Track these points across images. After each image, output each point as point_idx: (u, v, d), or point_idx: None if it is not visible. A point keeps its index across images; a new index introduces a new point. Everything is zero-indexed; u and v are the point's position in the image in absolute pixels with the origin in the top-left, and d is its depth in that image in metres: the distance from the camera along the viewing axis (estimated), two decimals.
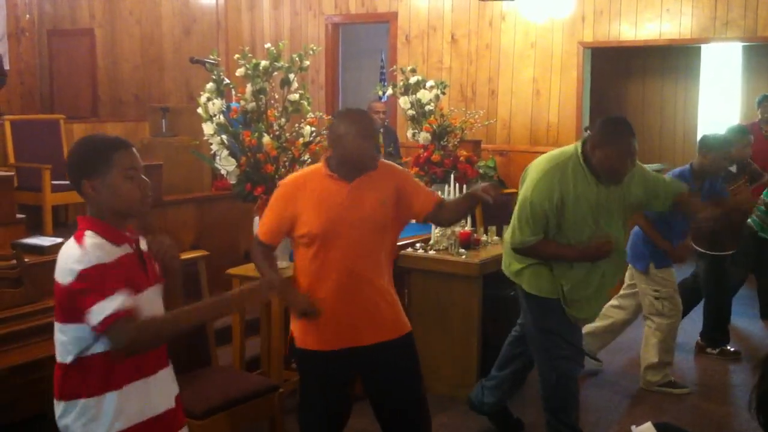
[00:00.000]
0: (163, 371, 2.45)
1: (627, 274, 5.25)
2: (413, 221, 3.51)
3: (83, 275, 2.19)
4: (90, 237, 2.26)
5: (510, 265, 3.95)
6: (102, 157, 2.32)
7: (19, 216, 5.15)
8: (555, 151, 3.84)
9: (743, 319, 6.37)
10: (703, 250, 5.62)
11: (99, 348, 2.27)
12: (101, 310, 2.17)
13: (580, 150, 3.69)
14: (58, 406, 2.34)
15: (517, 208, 3.74)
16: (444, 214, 3.40)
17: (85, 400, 2.30)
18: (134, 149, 2.39)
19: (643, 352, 5.08)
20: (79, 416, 2.30)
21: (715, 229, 5.40)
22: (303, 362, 3.31)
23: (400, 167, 3.43)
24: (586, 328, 5.23)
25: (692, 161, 5.05)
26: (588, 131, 7.36)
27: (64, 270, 2.22)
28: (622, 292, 5.27)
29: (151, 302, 2.36)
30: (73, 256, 2.22)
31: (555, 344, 3.87)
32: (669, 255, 4.91)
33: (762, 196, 5.94)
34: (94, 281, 2.19)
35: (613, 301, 5.29)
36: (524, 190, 3.73)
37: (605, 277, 3.86)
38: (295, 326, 3.25)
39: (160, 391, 2.43)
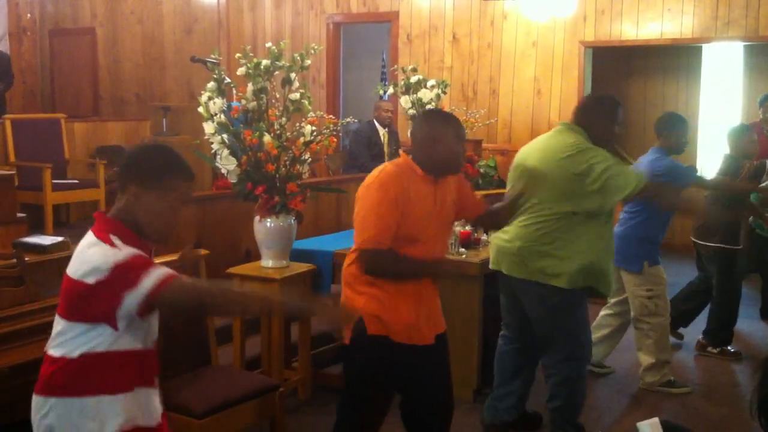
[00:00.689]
0: (155, 389, 2.41)
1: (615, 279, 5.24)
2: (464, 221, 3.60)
3: (123, 264, 2.17)
4: (117, 243, 2.23)
5: (522, 264, 3.92)
6: (167, 176, 2.28)
7: (19, 215, 5.15)
8: (566, 137, 3.95)
9: (743, 319, 6.36)
10: (716, 245, 5.55)
11: (102, 347, 2.24)
12: (150, 279, 2.15)
13: (579, 129, 3.95)
14: (40, 403, 2.29)
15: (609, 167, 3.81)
16: (494, 218, 3.51)
17: (80, 399, 2.25)
18: (191, 183, 2.37)
19: (641, 356, 5.07)
20: (66, 415, 2.26)
21: (726, 222, 5.42)
22: (375, 349, 3.18)
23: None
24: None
25: (655, 145, 5.07)
26: None
27: (87, 269, 2.19)
28: (612, 300, 5.23)
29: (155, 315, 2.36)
30: (102, 254, 2.19)
31: (579, 344, 3.95)
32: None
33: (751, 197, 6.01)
34: (136, 264, 2.18)
35: (607, 310, 5.29)
36: (602, 164, 3.84)
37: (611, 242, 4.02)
38: (382, 313, 3.14)
39: (154, 404, 2.39)
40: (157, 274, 2.17)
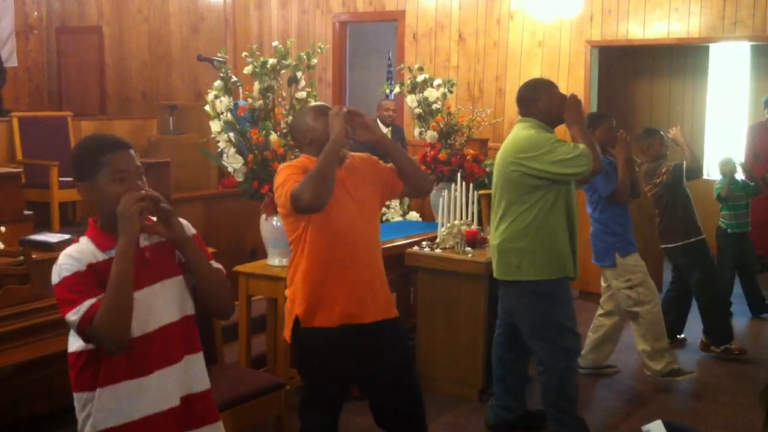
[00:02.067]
0: (167, 369, 2.37)
1: (601, 280, 5.25)
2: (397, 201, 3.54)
3: (58, 286, 2.25)
4: (81, 243, 2.32)
5: (508, 266, 4.01)
6: (91, 159, 2.30)
7: (26, 213, 5.16)
8: (521, 131, 4.09)
9: (742, 318, 6.35)
10: (679, 243, 5.59)
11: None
12: (74, 316, 2.21)
13: (532, 120, 4.08)
14: (75, 399, 2.37)
15: (555, 155, 3.90)
16: (408, 181, 3.40)
17: (85, 394, 2.32)
18: (131, 151, 2.34)
19: (638, 345, 5.10)
20: (81, 410, 2.33)
21: (672, 219, 5.52)
22: (309, 341, 3.26)
23: (367, 155, 3.46)
24: (589, 346, 5.26)
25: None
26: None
27: (53, 276, 2.29)
28: (602, 300, 5.27)
29: (154, 297, 2.34)
30: (58, 262, 2.28)
31: (562, 335, 3.99)
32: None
33: (715, 192, 6.24)
34: (66, 290, 2.23)
35: (598, 311, 5.31)
36: (544, 150, 3.90)
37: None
38: (302, 306, 3.22)
39: (158, 390, 2.35)
40: (78, 313, 2.20)
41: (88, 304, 2.21)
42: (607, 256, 5.01)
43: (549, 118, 4.07)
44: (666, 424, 3.83)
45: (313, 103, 3.40)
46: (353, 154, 3.34)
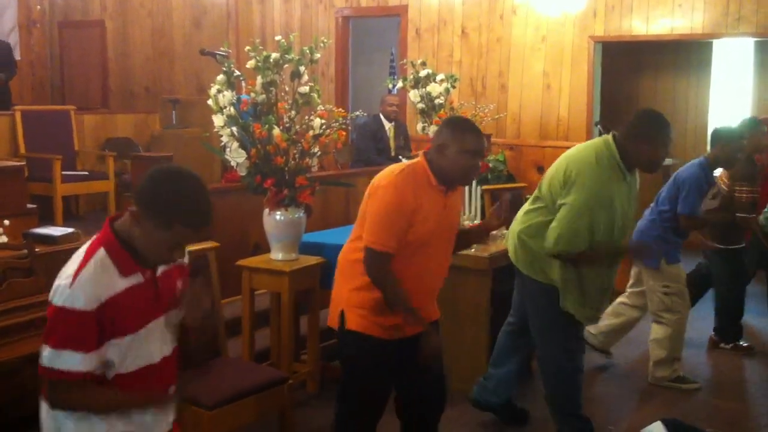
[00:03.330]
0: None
1: (633, 271, 5.24)
2: None
3: (59, 312, 2.11)
4: (98, 261, 2.16)
5: (524, 258, 3.93)
6: (175, 217, 2.13)
7: (29, 206, 5.17)
8: (588, 150, 3.76)
9: (754, 315, 6.34)
10: (719, 246, 5.58)
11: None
12: (51, 359, 2.11)
13: (613, 144, 3.68)
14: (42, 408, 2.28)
15: (565, 213, 3.66)
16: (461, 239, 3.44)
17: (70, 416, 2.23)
18: (204, 232, 2.21)
19: (652, 348, 5.07)
20: (47, 423, 2.27)
21: (723, 224, 5.42)
22: (364, 348, 3.20)
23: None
24: (600, 328, 5.25)
25: (705, 154, 5.06)
26: (598, 126, 7.36)
27: (55, 288, 2.15)
28: (630, 289, 5.26)
29: (154, 333, 2.28)
30: (66, 283, 2.12)
31: (568, 337, 3.92)
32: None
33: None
34: (63, 326, 2.11)
35: (623, 299, 5.28)
36: (576, 195, 3.63)
37: (610, 279, 3.90)
38: (361, 309, 3.17)
39: (154, 415, 2.32)
40: (62, 360, 2.10)
41: (76, 364, 2.10)
42: (653, 258, 4.92)
43: (636, 160, 3.71)
44: (668, 423, 3.84)
45: (475, 127, 3.20)
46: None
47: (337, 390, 3.39)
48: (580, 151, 3.81)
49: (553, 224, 3.70)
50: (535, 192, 3.96)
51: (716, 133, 5.03)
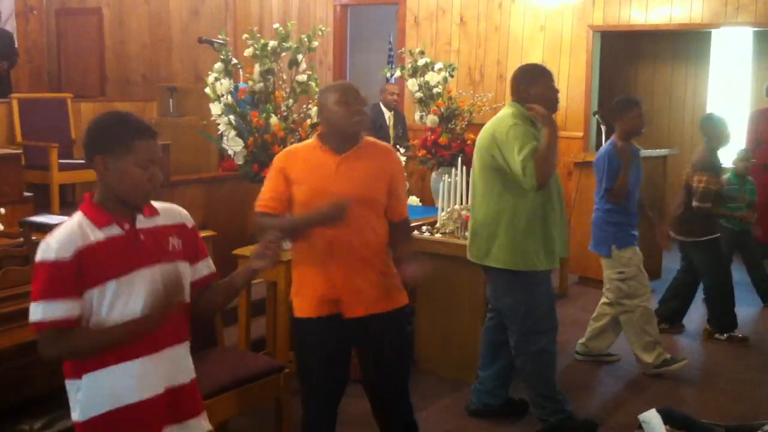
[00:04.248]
0: (151, 356, 2.35)
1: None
2: None
3: (36, 267, 2.24)
4: (73, 219, 2.30)
5: (478, 250, 4.01)
6: (123, 139, 2.29)
7: (26, 194, 5.16)
8: (499, 118, 4.04)
9: (745, 306, 6.36)
10: (698, 239, 5.61)
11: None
12: (36, 312, 2.23)
13: (516, 104, 4.00)
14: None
15: (516, 150, 3.81)
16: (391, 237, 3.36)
17: (76, 381, 2.33)
18: (157, 140, 2.36)
19: (628, 339, 5.09)
20: (72, 398, 2.35)
21: (693, 216, 5.50)
22: (299, 331, 3.30)
23: (401, 162, 3.43)
24: (587, 335, 5.26)
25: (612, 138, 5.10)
26: (596, 115, 7.35)
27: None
28: (605, 287, 5.25)
29: (141, 284, 2.30)
30: (45, 239, 2.26)
31: (537, 319, 4.00)
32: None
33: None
34: (41, 278, 2.23)
35: (602, 299, 5.28)
36: (511, 138, 3.84)
37: (563, 214, 4.09)
38: (293, 296, 3.28)
39: (143, 377, 2.34)
40: (40, 310, 2.22)
41: (57, 312, 2.22)
42: (603, 246, 4.99)
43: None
44: (663, 412, 3.86)
45: (338, 83, 3.35)
46: (372, 141, 3.27)
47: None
48: (491, 123, 4.09)
49: (515, 164, 3.79)
50: (476, 190, 4.07)
51: (618, 106, 5.06)
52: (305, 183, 3.15)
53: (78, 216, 2.31)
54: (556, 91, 4.03)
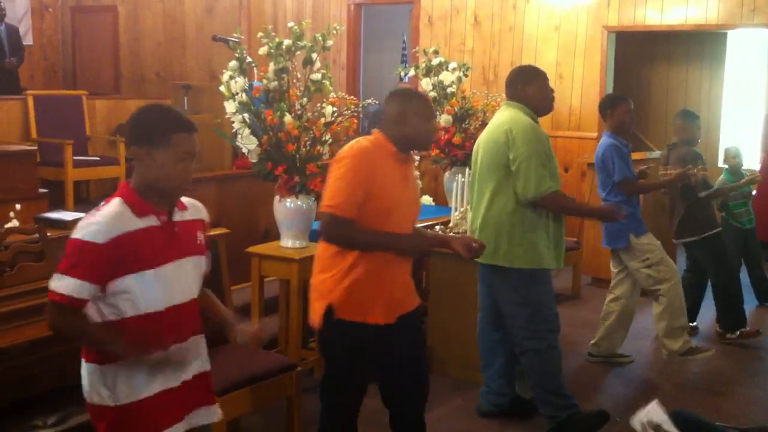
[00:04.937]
0: (178, 346, 2.46)
1: (611, 264, 5.22)
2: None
3: (70, 243, 2.29)
4: (111, 205, 2.34)
5: (494, 252, 3.96)
6: (164, 132, 2.35)
7: (41, 191, 5.19)
8: (506, 114, 4.07)
9: (749, 306, 6.32)
10: (692, 238, 5.58)
11: (103, 316, 2.36)
12: (54, 282, 2.29)
13: (516, 103, 4.04)
14: (82, 365, 2.44)
15: (521, 164, 3.87)
16: None
17: (95, 366, 2.39)
18: (196, 135, 2.43)
19: (656, 323, 5.10)
20: (92, 380, 2.41)
21: (691, 213, 5.49)
22: (351, 335, 3.17)
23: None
24: (597, 336, 5.24)
25: (604, 130, 5.15)
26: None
27: (77, 225, 2.32)
28: (612, 283, 5.24)
29: (180, 272, 2.42)
30: (88, 220, 2.31)
31: (544, 317, 4.01)
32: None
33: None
34: (71, 253, 2.28)
35: (608, 296, 5.26)
36: (519, 149, 3.87)
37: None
38: (343, 297, 3.12)
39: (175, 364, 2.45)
40: (62, 284, 2.28)
41: (81, 291, 2.27)
42: (620, 238, 4.97)
43: (536, 105, 4.07)
44: (675, 414, 3.82)
45: (419, 93, 3.42)
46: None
47: (321, 384, 3.35)
48: (499, 117, 4.10)
49: (517, 176, 3.87)
50: (479, 189, 4.09)
51: (605, 102, 5.12)
52: (386, 190, 3.09)
53: (117, 202, 2.35)
54: (551, 91, 4.13)
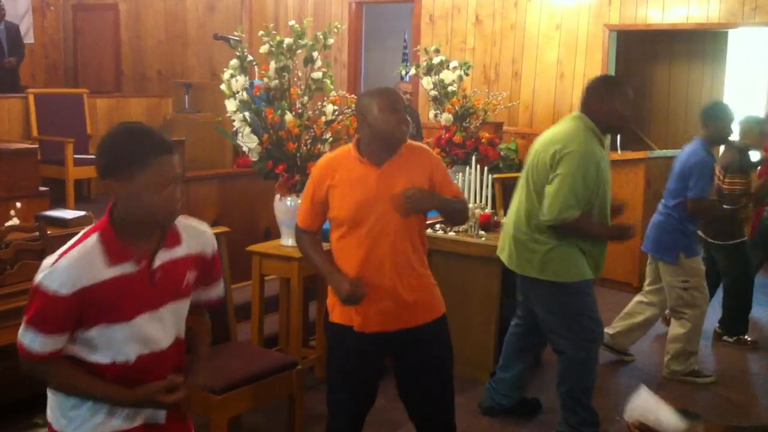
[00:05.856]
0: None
1: (648, 268, 5.20)
2: None
3: (35, 289, 2.08)
4: (88, 245, 2.10)
5: (528, 262, 3.89)
6: (135, 158, 2.08)
7: (42, 189, 5.19)
8: (566, 125, 3.88)
9: (759, 308, 6.32)
10: (717, 242, 5.57)
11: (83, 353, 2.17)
12: (21, 335, 2.10)
13: (586, 118, 3.82)
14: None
15: (553, 185, 3.72)
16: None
17: (71, 400, 2.20)
18: (175, 156, 2.15)
19: (669, 342, 5.04)
20: (61, 406, 2.23)
21: (722, 219, 5.42)
22: (336, 336, 3.21)
23: (435, 154, 3.31)
24: (617, 328, 5.22)
25: (699, 135, 5.00)
26: None
27: (43, 263, 2.11)
28: (647, 287, 5.21)
29: (149, 326, 2.19)
30: (49, 262, 2.09)
31: (584, 327, 3.92)
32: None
33: None
34: (35, 305, 2.07)
35: (641, 297, 5.24)
36: (559, 170, 3.70)
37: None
38: (333, 300, 3.15)
39: (144, 412, 2.25)
40: (27, 339, 2.09)
41: (45, 346, 2.09)
42: (670, 252, 4.89)
43: (609, 122, 3.85)
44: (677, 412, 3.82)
45: (380, 89, 3.15)
46: (407, 145, 3.11)
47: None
48: (560, 128, 3.91)
49: (548, 194, 3.73)
50: (521, 192, 3.95)
51: (709, 112, 5.00)
52: (346, 198, 3.03)
53: (93, 242, 2.11)
54: (631, 108, 3.85)
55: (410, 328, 3.13)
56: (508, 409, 4.36)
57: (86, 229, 2.19)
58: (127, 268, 2.13)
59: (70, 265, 2.06)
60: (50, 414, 2.26)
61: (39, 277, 2.08)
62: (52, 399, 2.24)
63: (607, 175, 3.82)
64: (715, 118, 4.94)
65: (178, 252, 2.24)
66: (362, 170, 3.04)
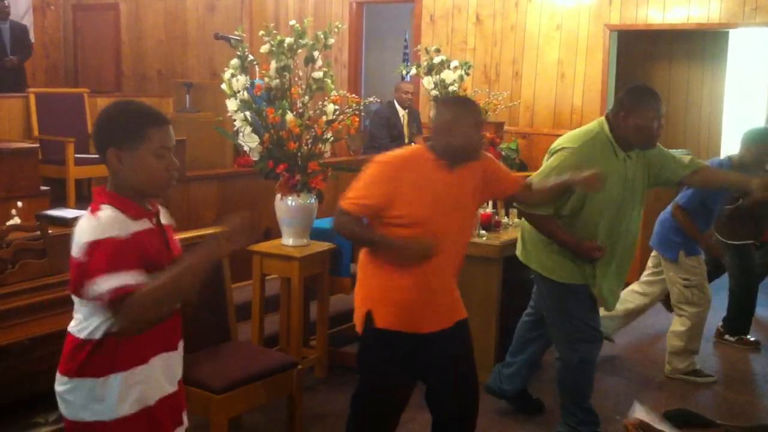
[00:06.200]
0: (168, 354, 2.34)
1: (651, 261, 5.22)
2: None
3: (93, 245, 2.10)
4: (105, 210, 2.18)
5: (532, 255, 3.95)
6: (136, 129, 2.20)
7: (42, 188, 5.19)
8: (581, 130, 3.86)
9: (761, 308, 6.31)
10: (726, 241, 5.57)
11: (108, 327, 2.18)
12: (107, 283, 2.08)
13: (606, 125, 3.73)
14: (62, 381, 2.27)
15: (542, 170, 3.76)
16: (533, 196, 3.47)
17: (92, 380, 2.22)
18: (171, 127, 2.28)
19: (670, 339, 5.05)
20: (83, 396, 2.23)
21: (734, 218, 5.39)
22: (382, 343, 3.20)
23: (486, 153, 3.40)
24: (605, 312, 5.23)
25: (730, 155, 5.02)
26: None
27: (77, 244, 2.14)
28: (644, 278, 5.24)
29: None
30: (86, 229, 2.14)
31: (576, 327, 3.91)
32: (704, 247, 4.95)
33: None
34: (104, 254, 2.09)
35: (635, 287, 5.26)
36: (551, 161, 3.75)
37: (621, 267, 3.90)
38: (380, 306, 3.16)
39: (165, 373, 2.33)
40: (115, 282, 2.08)
41: (130, 279, 2.09)
42: (671, 250, 4.93)
43: (629, 137, 3.69)
44: (679, 413, 3.82)
45: (470, 101, 3.33)
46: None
47: (353, 396, 3.34)
48: (578, 128, 3.92)
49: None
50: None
51: (750, 134, 4.96)
52: (419, 199, 3.07)
53: (105, 209, 2.19)
54: (656, 120, 3.65)
55: (454, 323, 3.27)
56: (509, 399, 4.40)
57: (83, 217, 2.22)
58: (146, 224, 2.25)
59: (111, 217, 2.16)
60: (65, 408, 2.27)
61: (89, 236, 2.11)
62: (70, 392, 2.24)
63: (615, 189, 3.68)
64: (753, 141, 4.90)
65: (164, 220, 2.37)
66: (436, 173, 3.12)
